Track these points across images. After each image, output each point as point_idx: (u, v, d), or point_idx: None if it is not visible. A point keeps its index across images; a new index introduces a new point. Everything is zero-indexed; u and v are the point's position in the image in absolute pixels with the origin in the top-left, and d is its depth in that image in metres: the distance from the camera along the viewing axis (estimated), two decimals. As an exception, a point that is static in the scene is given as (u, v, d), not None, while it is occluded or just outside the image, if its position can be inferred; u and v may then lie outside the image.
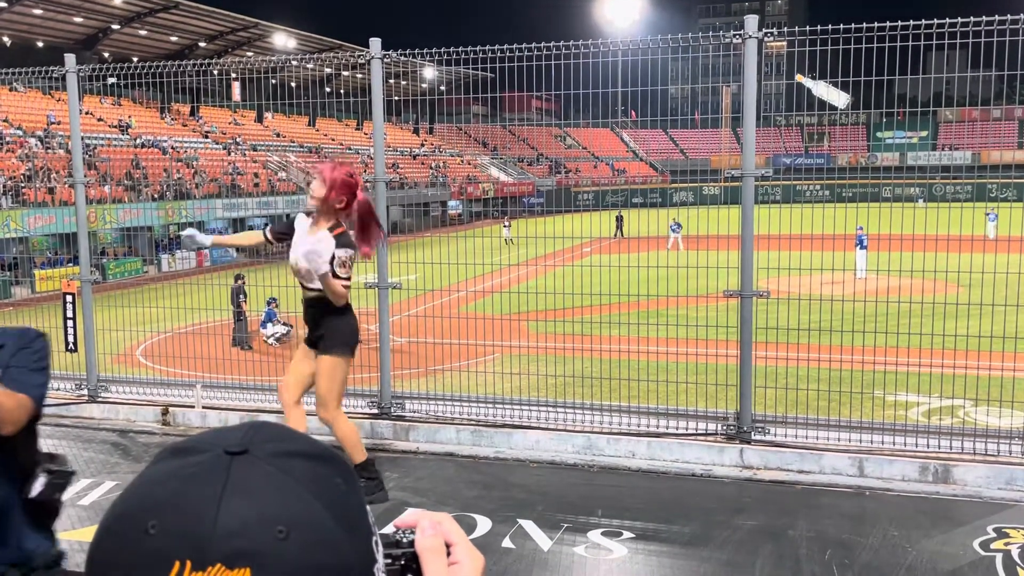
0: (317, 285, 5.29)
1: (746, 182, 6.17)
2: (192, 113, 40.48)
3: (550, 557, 4.77)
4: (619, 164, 61.88)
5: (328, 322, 5.45)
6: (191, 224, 26.65)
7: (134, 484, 0.67)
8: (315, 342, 5.52)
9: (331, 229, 5.30)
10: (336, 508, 0.66)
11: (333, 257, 5.23)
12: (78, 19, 35.38)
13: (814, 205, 8.79)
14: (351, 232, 5.35)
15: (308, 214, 5.52)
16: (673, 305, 8.17)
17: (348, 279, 5.40)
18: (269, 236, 5.74)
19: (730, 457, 6.10)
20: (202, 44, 39.91)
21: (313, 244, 5.21)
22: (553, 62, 6.73)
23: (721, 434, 6.24)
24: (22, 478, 2.44)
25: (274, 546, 0.62)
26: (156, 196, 28.54)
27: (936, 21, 5.84)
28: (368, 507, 0.72)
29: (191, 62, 7.88)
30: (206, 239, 5.93)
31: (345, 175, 5.31)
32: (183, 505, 0.63)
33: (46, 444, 7.22)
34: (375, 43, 6.87)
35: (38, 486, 2.45)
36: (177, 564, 0.61)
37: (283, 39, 40.45)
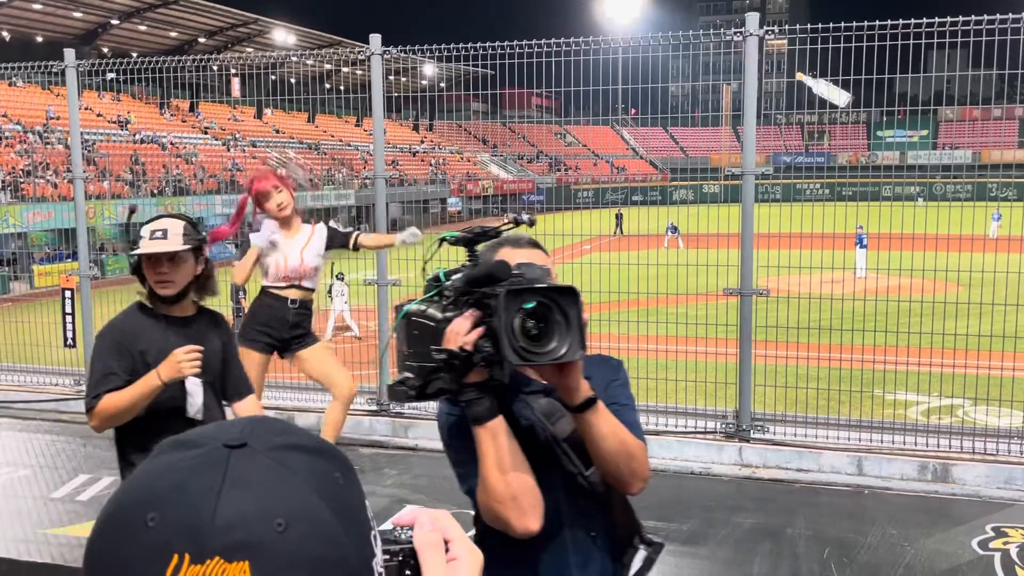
0: (312, 284, 5.55)
1: (746, 180, 6.16)
2: (191, 109, 40.45)
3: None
4: (619, 162, 61.84)
5: (310, 319, 5.76)
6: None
7: (133, 477, 0.67)
8: (291, 342, 5.65)
9: (306, 222, 5.68)
10: (335, 502, 0.66)
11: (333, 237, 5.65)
12: (77, 14, 35.35)
13: (814, 203, 8.80)
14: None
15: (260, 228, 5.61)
16: (672, 303, 8.16)
17: None
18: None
19: (729, 455, 6.10)
20: (201, 40, 39.88)
21: (318, 241, 5.58)
22: (553, 59, 6.73)
23: (720, 432, 6.24)
24: (620, 550, 2.01)
25: (273, 539, 0.62)
26: (155, 192, 28.53)
27: (937, 20, 5.83)
28: (367, 502, 0.72)
29: (190, 58, 7.86)
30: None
31: (268, 172, 5.64)
32: (182, 498, 0.63)
33: (43, 440, 7.21)
34: (375, 39, 6.85)
35: (637, 561, 2.00)
36: (176, 557, 0.60)
37: (283, 35, 40.42)
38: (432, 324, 1.79)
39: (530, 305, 1.66)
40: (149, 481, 0.65)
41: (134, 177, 28.02)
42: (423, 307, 1.83)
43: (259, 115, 43.36)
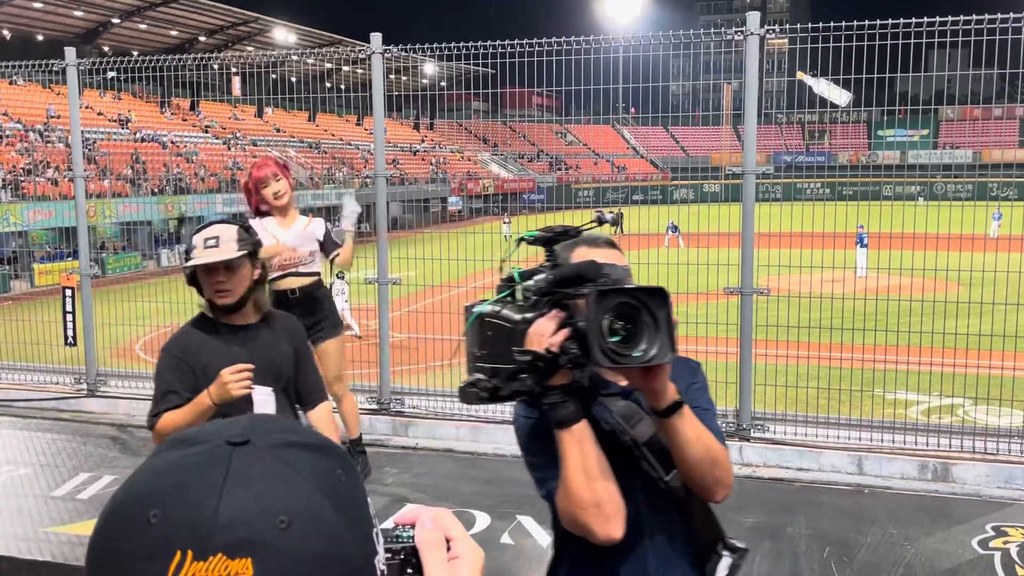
0: (312, 269, 5.47)
1: (747, 179, 6.16)
2: (192, 108, 40.44)
3: (549, 553, 4.76)
4: (619, 161, 61.82)
5: (326, 304, 5.64)
6: (196, 219, 26.64)
7: (136, 474, 0.67)
8: (309, 329, 5.58)
9: (303, 214, 5.65)
10: (337, 499, 0.66)
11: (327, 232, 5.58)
12: (78, 13, 35.35)
13: (815, 203, 8.78)
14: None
15: (260, 215, 5.48)
16: (673, 302, 8.19)
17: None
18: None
19: (729, 455, 6.09)
20: (202, 38, 39.88)
21: (313, 229, 5.52)
22: (554, 58, 6.72)
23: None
24: (702, 558, 1.97)
25: (275, 536, 0.62)
26: (156, 191, 28.53)
27: (938, 19, 5.83)
28: (369, 499, 0.72)
29: (191, 56, 7.86)
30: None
31: (269, 160, 5.51)
32: (185, 495, 0.63)
33: (43, 439, 7.21)
34: (376, 38, 6.85)
35: (722, 569, 1.97)
36: (179, 553, 0.61)
37: (283, 34, 40.41)
38: (508, 325, 1.74)
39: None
40: (152, 478, 0.66)
41: (135, 176, 28.03)
42: (497, 308, 1.79)
43: (260, 114, 43.35)
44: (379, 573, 0.69)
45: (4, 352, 8.64)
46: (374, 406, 7.01)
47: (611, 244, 1.99)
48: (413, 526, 0.81)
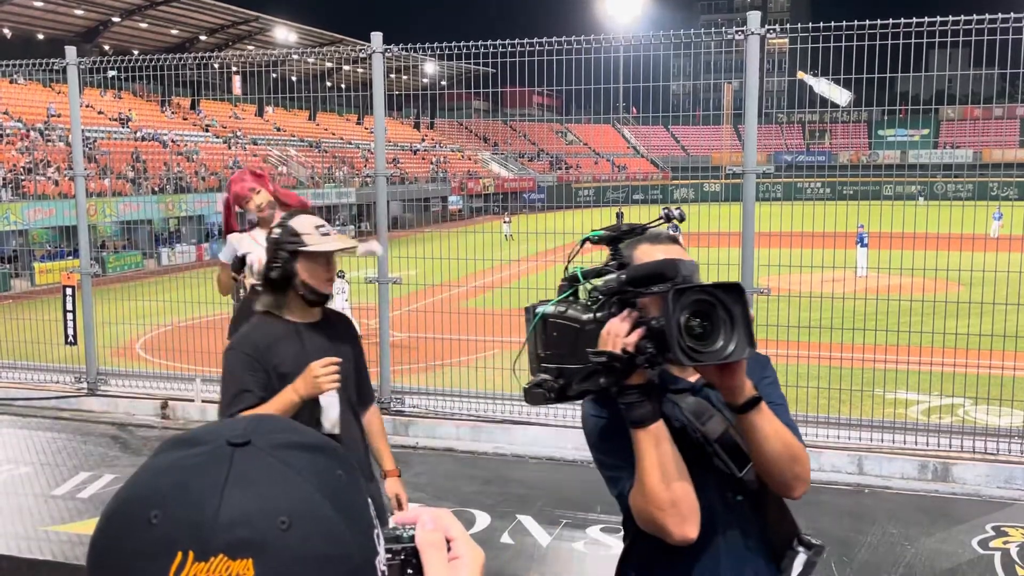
0: None
1: (747, 179, 6.16)
2: (192, 107, 40.44)
3: (549, 552, 4.77)
4: (620, 160, 61.80)
5: None
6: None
7: (137, 474, 0.67)
8: None
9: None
10: (337, 500, 0.66)
11: None
12: (79, 11, 35.34)
13: (815, 202, 8.78)
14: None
15: (248, 227, 5.36)
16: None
17: None
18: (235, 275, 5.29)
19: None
20: (203, 37, 39.87)
21: None
22: (554, 57, 6.73)
23: (720, 431, 6.24)
24: (777, 555, 1.93)
25: (276, 537, 0.62)
26: (156, 189, 28.53)
27: (938, 19, 5.83)
28: (369, 500, 0.72)
29: (192, 55, 7.87)
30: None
31: (255, 170, 5.39)
32: (186, 495, 0.63)
33: (44, 438, 7.21)
34: (376, 37, 6.85)
35: (797, 565, 1.91)
36: (180, 554, 0.61)
37: (284, 33, 40.40)
38: (576, 326, 1.74)
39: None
40: (153, 478, 0.66)
41: (135, 175, 28.04)
42: (561, 308, 1.78)
43: (260, 113, 43.34)
44: (380, 573, 0.69)
45: (4, 351, 8.65)
46: (374, 405, 7.01)
47: (673, 240, 1.97)
48: (413, 526, 0.81)
